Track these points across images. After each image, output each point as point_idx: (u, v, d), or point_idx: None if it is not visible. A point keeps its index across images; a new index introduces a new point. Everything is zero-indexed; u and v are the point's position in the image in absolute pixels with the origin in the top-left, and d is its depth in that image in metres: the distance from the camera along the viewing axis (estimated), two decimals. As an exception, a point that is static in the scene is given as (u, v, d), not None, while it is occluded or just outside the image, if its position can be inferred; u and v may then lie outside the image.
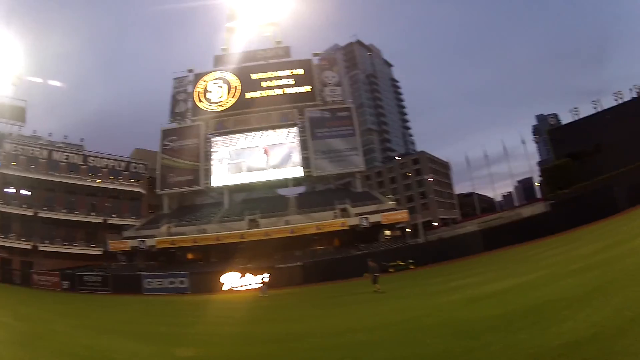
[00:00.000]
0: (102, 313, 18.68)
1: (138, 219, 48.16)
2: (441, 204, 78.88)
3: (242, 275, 33.26)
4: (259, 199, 52.33)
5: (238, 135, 52.30)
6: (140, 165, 53.20)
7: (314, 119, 52.03)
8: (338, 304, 16.19)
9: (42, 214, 43.13)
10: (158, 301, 27.26)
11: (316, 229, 39.30)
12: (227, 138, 52.52)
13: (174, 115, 55.34)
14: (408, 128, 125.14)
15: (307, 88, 54.74)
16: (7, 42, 46.79)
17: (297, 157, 50.64)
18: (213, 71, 56.83)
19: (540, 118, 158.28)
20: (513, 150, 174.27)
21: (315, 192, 56.14)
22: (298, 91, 54.68)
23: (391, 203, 45.14)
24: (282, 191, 54.66)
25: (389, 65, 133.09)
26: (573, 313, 5.94)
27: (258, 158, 50.88)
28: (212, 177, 50.54)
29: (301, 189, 58.14)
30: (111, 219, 47.20)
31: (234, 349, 8.04)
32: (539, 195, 65.16)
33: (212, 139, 52.62)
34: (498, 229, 35.42)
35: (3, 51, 46.12)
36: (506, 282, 11.93)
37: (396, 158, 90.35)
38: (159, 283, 33.63)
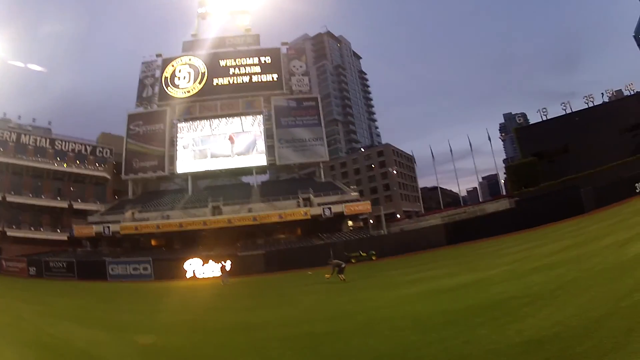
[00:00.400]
0: (67, 300, 18.81)
1: (103, 204, 48.67)
2: (405, 196, 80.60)
3: (205, 263, 33.64)
4: (223, 187, 53.00)
5: (204, 122, 52.93)
6: (106, 149, 53.47)
7: (279, 107, 53.12)
8: (298, 293, 16.15)
9: (9, 199, 43.05)
10: (122, 287, 27.61)
11: (279, 218, 40.31)
12: (192, 124, 53.06)
13: (141, 99, 55.28)
14: (374, 120, 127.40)
15: (274, 76, 55.57)
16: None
17: (261, 145, 51.74)
18: (181, 56, 56.70)
19: (508, 117, 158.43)
20: (479, 147, 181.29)
21: (279, 181, 57.68)
22: (265, 79, 55.49)
23: (354, 194, 46.04)
24: (246, 179, 55.43)
25: (358, 57, 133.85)
26: (535, 310, 5.76)
27: (223, 145, 51.69)
28: (177, 163, 51.06)
29: (265, 178, 59.08)
30: (77, 204, 47.64)
31: (194, 338, 8.09)
32: (504, 192, 67.58)
33: (178, 125, 53.05)
34: (461, 224, 35.64)
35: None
36: (467, 277, 11.70)
37: (361, 149, 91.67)
38: (123, 269, 33.81)
